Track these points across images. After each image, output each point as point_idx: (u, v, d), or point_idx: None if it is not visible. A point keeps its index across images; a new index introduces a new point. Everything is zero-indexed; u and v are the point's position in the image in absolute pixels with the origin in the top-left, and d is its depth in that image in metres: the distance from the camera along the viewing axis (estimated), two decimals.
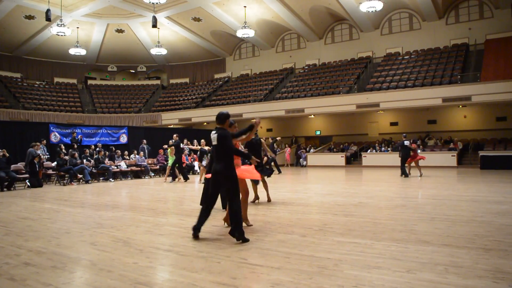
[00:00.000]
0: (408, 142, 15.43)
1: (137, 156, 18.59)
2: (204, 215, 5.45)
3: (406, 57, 27.21)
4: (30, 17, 27.78)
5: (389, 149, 23.12)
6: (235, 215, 5.26)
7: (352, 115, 26.81)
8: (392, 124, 26.42)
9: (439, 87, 21.90)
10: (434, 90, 21.88)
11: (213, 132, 5.51)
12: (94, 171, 16.14)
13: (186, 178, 15.52)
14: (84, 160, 16.28)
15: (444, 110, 24.29)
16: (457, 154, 21.22)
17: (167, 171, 15.91)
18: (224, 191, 5.81)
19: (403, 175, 15.26)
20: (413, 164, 16.00)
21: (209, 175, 5.77)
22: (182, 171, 15.74)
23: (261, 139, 8.91)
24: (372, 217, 6.63)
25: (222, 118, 5.49)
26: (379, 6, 22.59)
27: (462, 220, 6.25)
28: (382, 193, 10.21)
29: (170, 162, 15.67)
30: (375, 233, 5.41)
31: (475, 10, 25.99)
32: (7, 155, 13.38)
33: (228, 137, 5.34)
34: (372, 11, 23.73)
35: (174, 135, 15.64)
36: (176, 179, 15.55)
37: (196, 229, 5.42)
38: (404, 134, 16.66)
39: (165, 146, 16.63)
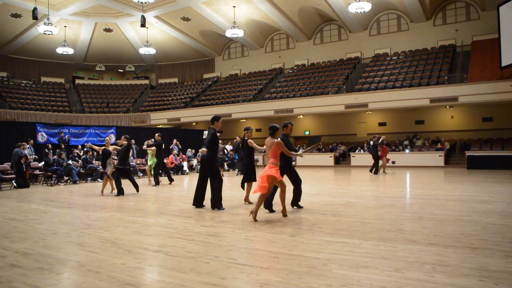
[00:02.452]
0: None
1: None
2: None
3: (394, 58, 27.44)
4: (16, 16, 27.43)
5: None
6: (214, 192, 7.69)
7: (340, 115, 26.96)
8: (380, 124, 26.61)
9: (427, 88, 22.13)
10: (422, 91, 22.10)
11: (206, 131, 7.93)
12: (82, 171, 15.99)
13: (171, 180, 14.28)
14: (71, 161, 16.12)
15: (432, 110, 24.55)
16: (444, 154, 21.45)
17: (148, 173, 14.75)
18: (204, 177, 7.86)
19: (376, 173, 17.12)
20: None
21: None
22: (167, 172, 14.73)
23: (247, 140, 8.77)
24: (360, 217, 6.67)
25: (212, 119, 7.98)
26: (367, 7, 22.76)
27: (449, 219, 6.31)
28: (370, 193, 10.28)
29: (150, 163, 14.53)
30: (363, 233, 5.44)
31: (462, 11, 26.31)
32: None
33: (216, 135, 7.66)
34: (360, 12, 23.89)
35: (156, 134, 14.58)
36: (160, 183, 14.09)
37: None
38: (374, 135, 17.86)
39: (144, 147, 15.21)
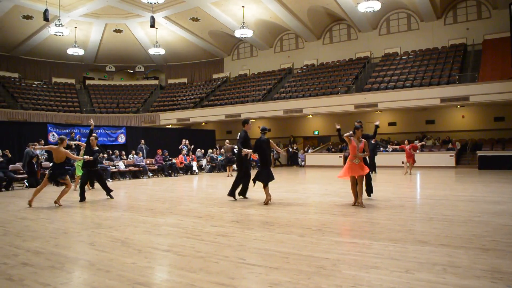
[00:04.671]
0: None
1: (135, 156, 18.57)
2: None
3: (404, 57, 27.24)
4: (28, 17, 27.72)
5: (387, 149, 23.05)
6: (236, 184, 9.20)
7: (350, 115, 26.79)
8: (390, 124, 26.44)
9: (437, 87, 21.94)
10: (432, 90, 21.91)
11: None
12: None
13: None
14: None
15: (442, 110, 24.33)
16: (455, 154, 21.25)
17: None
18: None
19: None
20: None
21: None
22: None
23: (270, 140, 8.92)
24: (370, 217, 6.64)
25: (242, 122, 9.49)
26: (377, 6, 22.59)
27: (459, 220, 6.26)
28: (380, 193, 10.22)
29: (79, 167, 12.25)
30: (373, 233, 5.41)
31: (473, 10, 26.04)
32: (10, 155, 13.38)
33: (241, 137, 9.22)
34: (370, 11, 23.74)
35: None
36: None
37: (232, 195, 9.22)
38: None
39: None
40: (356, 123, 8.32)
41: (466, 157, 21.91)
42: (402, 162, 18.16)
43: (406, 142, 17.49)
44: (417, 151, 17.72)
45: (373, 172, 17.12)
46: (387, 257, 4.26)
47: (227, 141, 20.03)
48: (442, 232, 5.39)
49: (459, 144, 22.51)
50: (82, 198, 9.73)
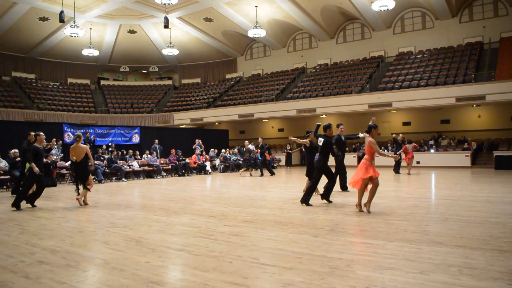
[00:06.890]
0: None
1: (149, 156, 18.70)
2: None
3: (418, 56, 26.96)
4: (44, 19, 28.11)
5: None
6: (310, 188, 8.35)
7: (364, 115, 26.62)
8: (404, 124, 26.20)
9: (453, 87, 21.65)
10: (448, 90, 21.63)
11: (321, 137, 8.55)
12: (107, 170, 16.27)
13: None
14: (97, 160, 16.43)
15: (458, 109, 24.02)
16: (471, 154, 20.96)
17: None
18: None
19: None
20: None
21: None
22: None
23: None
24: (384, 218, 6.58)
25: (323, 128, 8.62)
26: (391, 5, 22.38)
27: (476, 221, 6.17)
28: (394, 193, 10.13)
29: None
30: (387, 234, 5.37)
31: (490, 8, 25.63)
32: None
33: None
34: (384, 10, 23.54)
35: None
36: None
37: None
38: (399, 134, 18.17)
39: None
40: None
41: (482, 157, 21.60)
42: (416, 162, 18.01)
43: (406, 142, 17.45)
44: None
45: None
46: (402, 258, 4.22)
47: (246, 141, 20.33)
48: (458, 233, 5.32)
49: (475, 144, 22.19)
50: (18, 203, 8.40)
